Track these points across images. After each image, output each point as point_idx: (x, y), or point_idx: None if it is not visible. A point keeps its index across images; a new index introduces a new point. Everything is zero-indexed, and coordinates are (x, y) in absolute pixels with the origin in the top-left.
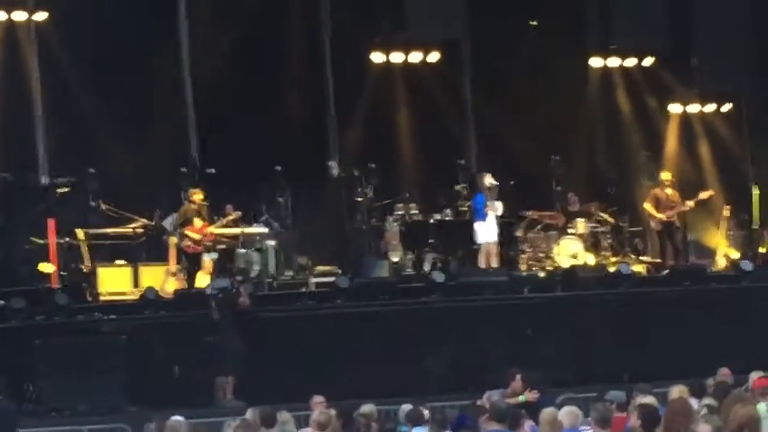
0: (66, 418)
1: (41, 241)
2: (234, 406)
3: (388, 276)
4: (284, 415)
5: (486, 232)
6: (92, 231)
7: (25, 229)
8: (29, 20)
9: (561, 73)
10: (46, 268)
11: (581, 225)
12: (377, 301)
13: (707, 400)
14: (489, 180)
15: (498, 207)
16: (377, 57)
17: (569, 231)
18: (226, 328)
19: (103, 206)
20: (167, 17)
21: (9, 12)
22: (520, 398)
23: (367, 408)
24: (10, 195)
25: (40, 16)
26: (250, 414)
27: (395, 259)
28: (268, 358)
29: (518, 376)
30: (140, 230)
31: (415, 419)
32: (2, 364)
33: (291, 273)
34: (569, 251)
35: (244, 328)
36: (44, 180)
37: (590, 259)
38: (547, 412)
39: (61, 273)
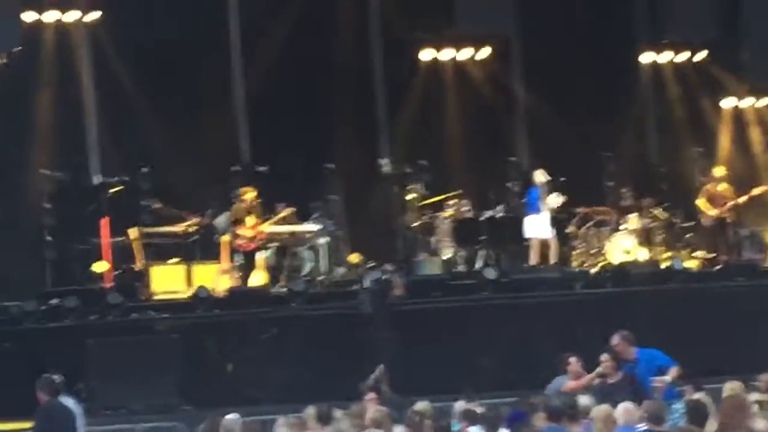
0: (120, 417)
1: (95, 240)
2: (391, 399)
3: (439, 273)
4: (338, 414)
5: (537, 226)
6: (145, 230)
7: (78, 228)
8: (81, 21)
9: (612, 69)
10: (100, 267)
11: (633, 221)
12: (429, 298)
13: (756, 396)
14: (542, 175)
15: (559, 199)
16: (427, 54)
17: (621, 227)
18: (379, 321)
19: (156, 205)
20: (218, 16)
21: (62, 13)
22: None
23: (422, 405)
24: (63, 195)
25: (92, 16)
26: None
27: (447, 257)
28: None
29: (572, 360)
30: (193, 229)
31: (470, 417)
32: (56, 363)
33: (343, 271)
34: (621, 247)
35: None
36: (97, 180)
37: (642, 255)
38: (601, 409)
39: (114, 272)
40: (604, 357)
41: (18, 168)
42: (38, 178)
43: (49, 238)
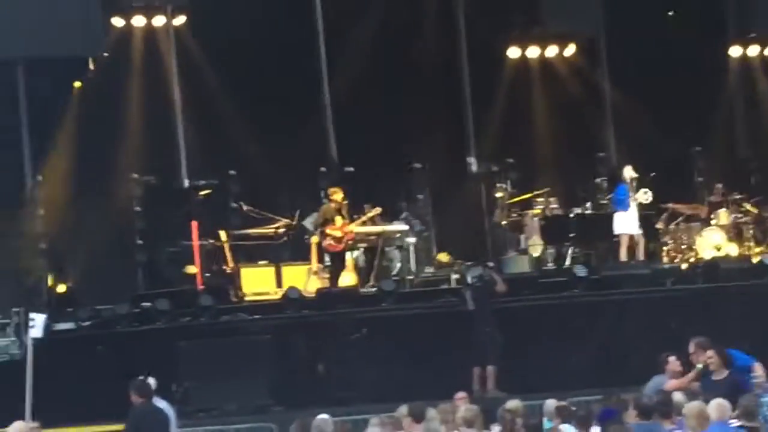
0: (213, 418)
1: (185, 243)
2: (497, 398)
3: (529, 271)
4: (431, 412)
5: (626, 222)
6: (235, 232)
7: (168, 231)
8: (168, 25)
9: (699, 63)
10: (190, 270)
11: (724, 216)
12: (519, 296)
13: None
14: (630, 171)
15: (647, 195)
16: (513, 52)
17: (711, 222)
18: (484, 318)
19: (245, 207)
20: (303, 18)
21: (148, 18)
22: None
23: (513, 404)
24: (153, 199)
25: (179, 20)
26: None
27: (536, 254)
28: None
29: (671, 359)
30: (282, 230)
31: (562, 414)
32: (149, 366)
33: (431, 270)
34: (711, 243)
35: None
36: (186, 183)
37: (733, 250)
38: (694, 406)
39: (205, 274)
40: (710, 353)
41: (108, 173)
42: (129, 183)
43: (140, 241)
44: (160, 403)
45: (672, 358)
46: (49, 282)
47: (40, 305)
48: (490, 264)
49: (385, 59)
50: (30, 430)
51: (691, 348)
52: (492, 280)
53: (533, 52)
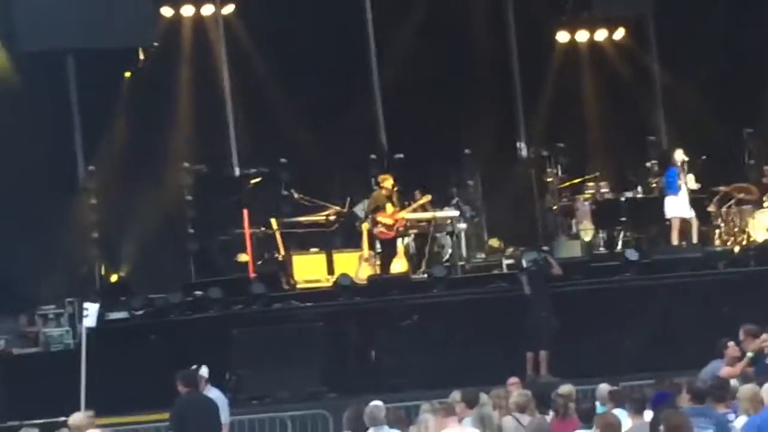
0: (266, 406)
1: (237, 231)
2: (549, 383)
3: (580, 255)
4: (484, 397)
5: (678, 206)
6: (286, 220)
7: (220, 220)
8: (217, 14)
9: (750, 44)
10: (243, 258)
11: None
12: (570, 281)
13: None
14: (680, 155)
15: (690, 180)
16: (563, 36)
17: (764, 204)
18: (540, 302)
19: (296, 195)
20: (353, 4)
21: (197, 7)
22: (749, 354)
23: (566, 388)
24: (204, 187)
25: (228, 9)
26: (452, 396)
27: (587, 239)
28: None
29: (730, 344)
30: (333, 218)
31: (615, 399)
32: (201, 354)
33: (483, 255)
34: (764, 225)
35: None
36: (237, 171)
37: None
38: (747, 389)
39: (257, 262)
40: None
41: (160, 162)
42: (180, 172)
43: (191, 230)
44: (213, 392)
45: (731, 344)
46: (102, 271)
47: (93, 295)
48: (546, 248)
49: (435, 45)
50: (88, 420)
51: (741, 336)
52: (548, 264)
53: (582, 36)
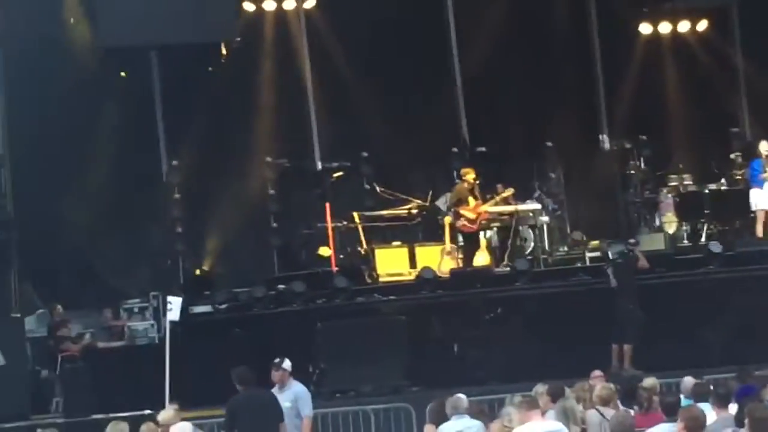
0: (350, 399)
1: (319, 225)
2: (633, 376)
3: (663, 248)
4: (567, 390)
5: (763, 198)
6: (368, 213)
7: (302, 214)
8: (298, 8)
9: None
10: (325, 251)
11: None
12: (654, 273)
13: None
14: (765, 147)
15: None
16: (645, 28)
17: None
18: (627, 295)
19: (378, 189)
20: None
21: (279, 1)
22: None
23: (650, 381)
24: (287, 181)
25: (309, 3)
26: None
27: (670, 231)
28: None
29: None
30: (415, 211)
31: (700, 392)
32: (284, 348)
33: (565, 248)
34: None
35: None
36: (319, 165)
37: None
38: None
39: (339, 256)
40: None
41: (243, 156)
42: (262, 166)
43: (274, 224)
44: (296, 385)
45: None
46: (186, 265)
47: (177, 289)
48: (633, 240)
49: (516, 38)
50: (174, 413)
51: None
52: (634, 256)
53: (665, 27)
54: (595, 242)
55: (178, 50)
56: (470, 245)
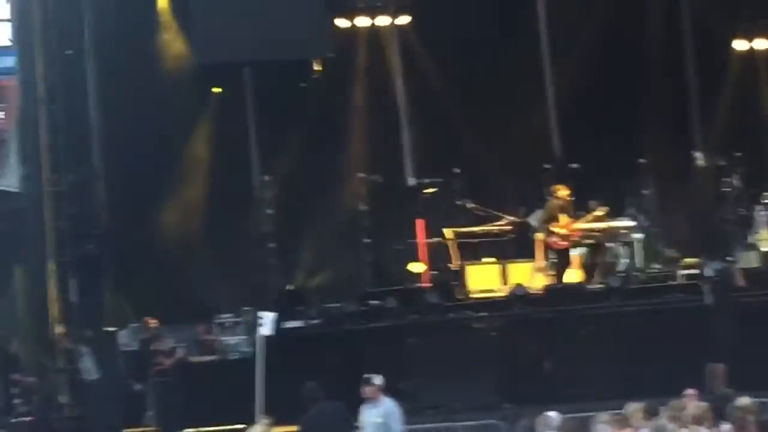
0: (441, 415)
1: (411, 241)
2: (727, 395)
3: (758, 266)
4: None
5: None
6: (460, 230)
7: (394, 230)
8: (392, 25)
9: None
10: (417, 267)
11: None
12: (748, 291)
13: None
14: None
15: None
16: (740, 44)
17: None
18: (723, 313)
19: (470, 205)
20: (526, 14)
21: (372, 17)
22: None
23: (744, 401)
24: (379, 197)
25: (403, 20)
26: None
27: (764, 248)
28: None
29: None
30: (507, 228)
31: None
32: (376, 363)
33: (658, 266)
34: None
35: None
36: (411, 181)
37: None
38: None
39: (431, 272)
40: None
41: (335, 172)
42: (355, 182)
43: (366, 239)
44: (387, 402)
45: None
46: (278, 281)
47: (270, 304)
48: (730, 258)
49: (609, 54)
50: (268, 429)
51: None
52: (731, 274)
53: (760, 44)
54: (689, 259)
55: (271, 66)
56: (562, 262)
